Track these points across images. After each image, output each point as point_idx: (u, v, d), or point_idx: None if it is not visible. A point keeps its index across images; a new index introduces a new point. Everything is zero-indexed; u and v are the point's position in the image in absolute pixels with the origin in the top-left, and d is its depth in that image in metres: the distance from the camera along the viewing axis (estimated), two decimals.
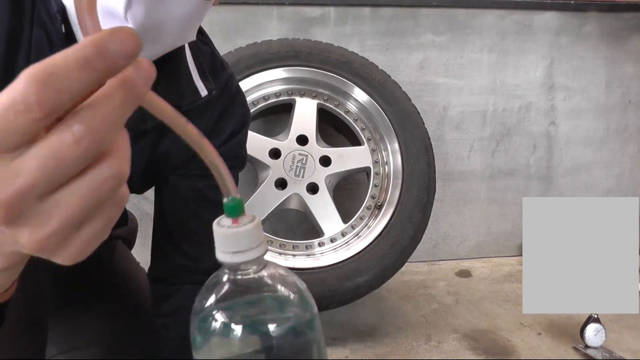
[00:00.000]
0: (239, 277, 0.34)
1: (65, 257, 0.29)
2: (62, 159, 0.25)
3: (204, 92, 0.71)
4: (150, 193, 0.90)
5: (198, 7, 0.57)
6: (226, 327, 0.34)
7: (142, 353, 0.87)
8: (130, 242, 1.06)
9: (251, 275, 0.34)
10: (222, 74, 0.78)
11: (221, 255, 0.33)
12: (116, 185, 0.28)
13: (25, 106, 0.24)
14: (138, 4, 0.53)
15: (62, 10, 0.59)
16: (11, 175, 0.25)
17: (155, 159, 0.75)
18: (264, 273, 0.35)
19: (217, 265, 0.36)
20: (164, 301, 0.80)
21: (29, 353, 0.70)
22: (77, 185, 0.27)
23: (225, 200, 0.32)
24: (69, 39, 0.60)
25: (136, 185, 0.78)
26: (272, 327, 0.34)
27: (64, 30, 0.60)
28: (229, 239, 0.33)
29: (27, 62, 0.60)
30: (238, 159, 0.83)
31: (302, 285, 0.36)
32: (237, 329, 0.34)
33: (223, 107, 0.78)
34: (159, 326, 0.79)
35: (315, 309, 0.37)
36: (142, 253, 1.03)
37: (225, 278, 0.35)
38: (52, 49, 0.60)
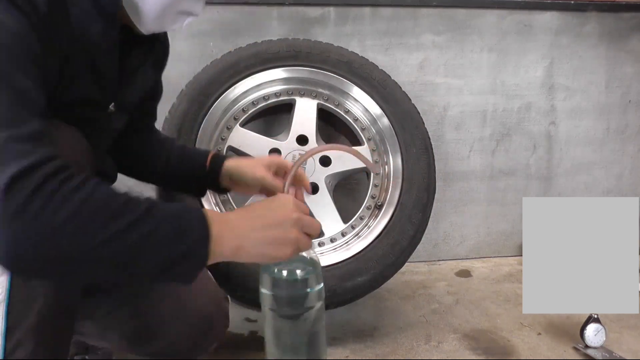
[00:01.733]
0: None
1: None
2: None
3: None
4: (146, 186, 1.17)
5: None
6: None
7: None
8: None
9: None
10: None
11: None
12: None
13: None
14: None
15: None
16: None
17: (148, 91, 1.01)
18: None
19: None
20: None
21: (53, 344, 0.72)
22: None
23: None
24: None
25: (130, 112, 0.99)
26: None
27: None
28: None
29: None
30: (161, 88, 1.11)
31: (317, 259, 0.78)
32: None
33: (162, 45, 1.01)
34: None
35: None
36: None
37: None
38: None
